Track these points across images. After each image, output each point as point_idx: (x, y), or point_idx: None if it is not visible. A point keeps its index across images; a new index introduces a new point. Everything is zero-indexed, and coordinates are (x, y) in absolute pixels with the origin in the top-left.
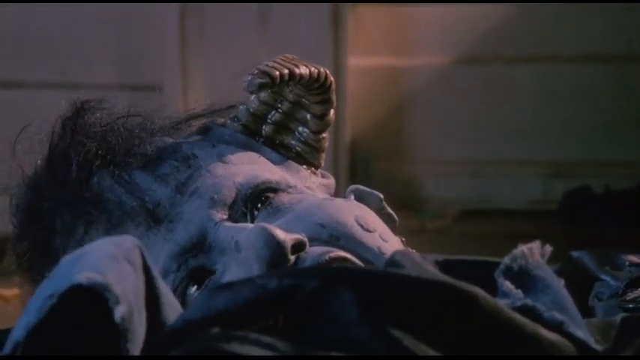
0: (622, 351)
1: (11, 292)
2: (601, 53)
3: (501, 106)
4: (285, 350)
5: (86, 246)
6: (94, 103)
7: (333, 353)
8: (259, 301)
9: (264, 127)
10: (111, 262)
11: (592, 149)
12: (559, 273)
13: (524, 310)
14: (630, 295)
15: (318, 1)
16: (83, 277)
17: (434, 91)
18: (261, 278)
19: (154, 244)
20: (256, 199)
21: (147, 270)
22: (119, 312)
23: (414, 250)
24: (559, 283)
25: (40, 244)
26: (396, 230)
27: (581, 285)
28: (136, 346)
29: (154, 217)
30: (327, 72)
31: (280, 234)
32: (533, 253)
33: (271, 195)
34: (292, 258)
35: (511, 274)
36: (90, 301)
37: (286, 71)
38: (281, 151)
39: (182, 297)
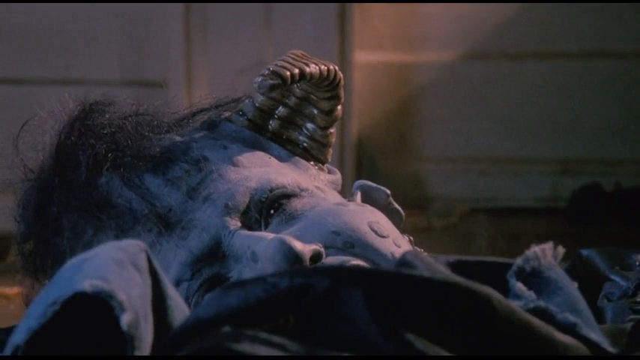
0: (636, 351)
1: (13, 290)
2: (609, 50)
3: (509, 102)
4: (295, 350)
5: (91, 250)
6: (102, 104)
7: (344, 354)
8: (270, 300)
9: (270, 122)
10: (116, 268)
11: (600, 146)
12: (568, 272)
13: (537, 312)
14: None
15: None
16: (87, 284)
17: (441, 87)
18: (272, 277)
19: (165, 251)
20: (270, 206)
21: (154, 274)
22: (125, 319)
23: (422, 250)
24: (572, 285)
25: (46, 245)
26: (402, 226)
27: (590, 285)
28: (143, 353)
29: (165, 223)
30: (337, 68)
31: (299, 246)
32: (546, 254)
33: (284, 201)
34: None
35: (523, 275)
36: (94, 308)
37: (297, 71)
38: (288, 146)
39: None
